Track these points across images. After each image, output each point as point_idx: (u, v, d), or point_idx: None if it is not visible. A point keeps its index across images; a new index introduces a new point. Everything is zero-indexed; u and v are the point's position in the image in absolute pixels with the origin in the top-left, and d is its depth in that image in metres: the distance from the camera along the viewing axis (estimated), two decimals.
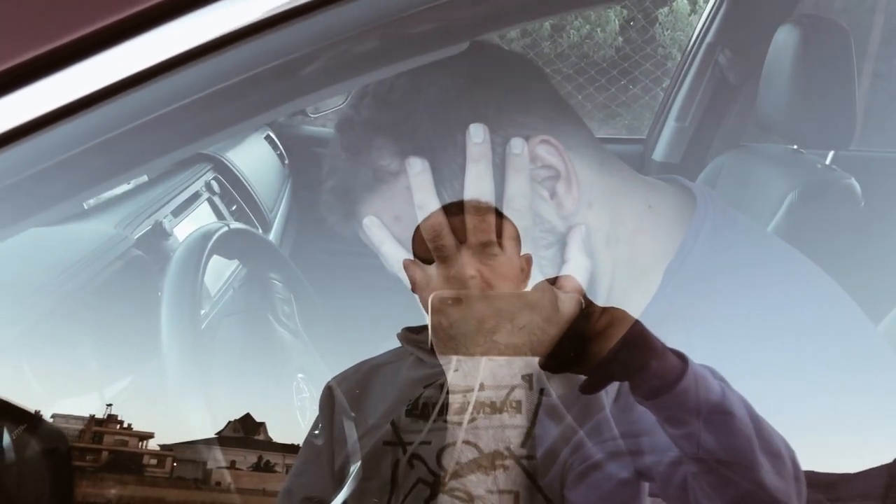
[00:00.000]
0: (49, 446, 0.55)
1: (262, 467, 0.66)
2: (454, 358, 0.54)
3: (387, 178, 0.59)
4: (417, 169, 0.58)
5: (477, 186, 0.58)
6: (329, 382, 0.62)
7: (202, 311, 0.71)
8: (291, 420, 0.73)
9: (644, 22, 3.81)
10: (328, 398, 0.62)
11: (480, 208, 0.57)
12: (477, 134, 0.58)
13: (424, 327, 0.57)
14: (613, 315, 0.49)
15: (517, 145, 0.58)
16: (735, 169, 1.48)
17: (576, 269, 0.60)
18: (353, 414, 0.60)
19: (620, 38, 4.03)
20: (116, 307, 0.71)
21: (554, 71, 3.78)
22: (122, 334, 0.71)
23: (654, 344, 0.48)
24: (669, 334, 0.58)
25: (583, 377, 0.50)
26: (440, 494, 0.53)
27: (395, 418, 0.56)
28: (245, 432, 0.65)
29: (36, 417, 0.54)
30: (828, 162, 1.37)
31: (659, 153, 1.73)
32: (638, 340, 0.48)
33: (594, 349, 0.48)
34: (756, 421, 0.48)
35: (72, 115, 0.47)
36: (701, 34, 1.68)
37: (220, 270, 0.80)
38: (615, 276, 0.62)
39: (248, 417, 0.67)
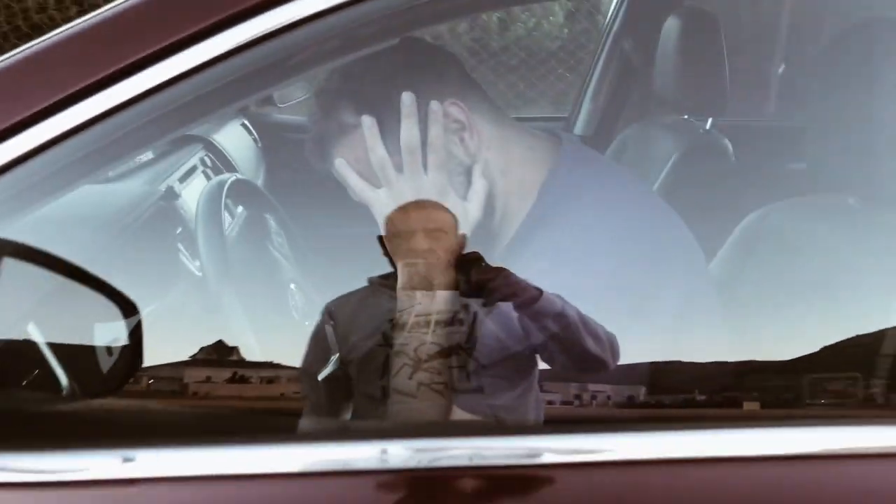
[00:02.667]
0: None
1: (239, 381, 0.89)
2: (417, 295, 0.81)
3: (349, 130, 0.88)
4: (369, 124, 0.86)
5: (408, 135, 0.86)
6: (328, 304, 0.86)
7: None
8: (288, 317, 1.01)
9: (586, 15, 4.11)
10: (327, 318, 0.86)
11: (410, 149, 0.86)
12: (407, 100, 0.86)
13: (392, 274, 0.83)
14: (496, 271, 0.78)
15: (434, 106, 0.87)
16: (638, 139, 1.78)
17: (477, 190, 0.89)
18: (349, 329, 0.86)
19: (565, 30, 4.35)
20: (155, 238, 0.98)
21: (502, 61, 4.09)
22: (155, 262, 0.98)
23: (520, 286, 0.77)
24: (536, 236, 0.89)
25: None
26: (419, 371, 0.80)
27: (385, 329, 0.83)
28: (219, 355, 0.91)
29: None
30: (707, 127, 1.68)
31: (578, 128, 2.03)
32: (513, 287, 0.77)
33: (487, 291, 0.78)
34: (582, 317, 0.77)
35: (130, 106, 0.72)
36: (608, 26, 1.98)
37: (229, 211, 1.07)
38: (507, 194, 0.91)
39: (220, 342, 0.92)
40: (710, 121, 1.68)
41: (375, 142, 0.87)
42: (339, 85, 0.89)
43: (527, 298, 0.77)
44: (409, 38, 0.92)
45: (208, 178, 1.35)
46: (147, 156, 1.23)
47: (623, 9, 1.92)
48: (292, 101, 2.09)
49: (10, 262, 0.72)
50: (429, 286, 0.80)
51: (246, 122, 1.92)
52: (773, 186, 1.35)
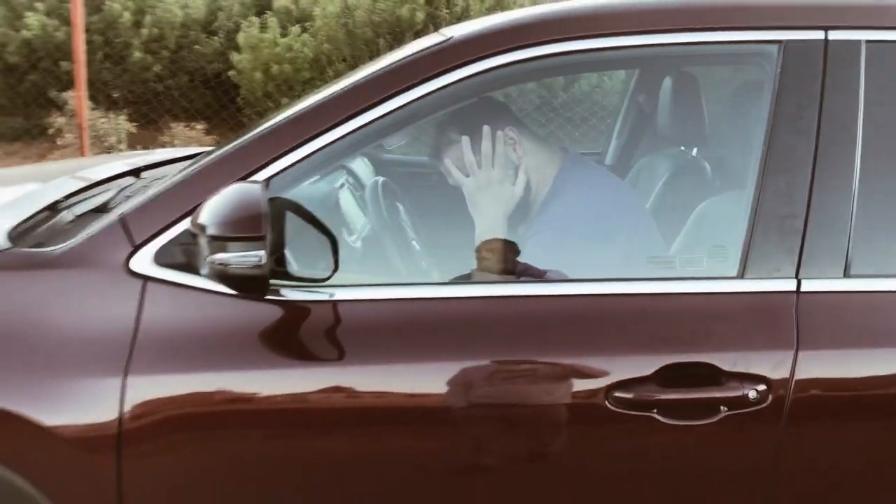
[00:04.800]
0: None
1: None
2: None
3: (453, 143, 1.64)
4: (464, 140, 1.62)
5: (485, 147, 1.62)
6: None
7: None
8: (412, 257, 1.82)
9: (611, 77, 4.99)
10: None
11: (485, 155, 1.62)
12: (486, 128, 1.62)
13: None
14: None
15: (499, 131, 1.62)
16: (648, 164, 2.49)
17: (521, 180, 1.64)
18: None
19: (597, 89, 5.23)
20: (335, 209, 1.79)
21: (560, 112, 4.94)
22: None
23: (536, 271, 1.51)
24: (551, 205, 1.64)
25: None
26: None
27: None
28: None
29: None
30: (693, 154, 2.37)
31: (607, 160, 2.76)
32: (528, 269, 1.51)
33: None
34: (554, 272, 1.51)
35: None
36: (627, 85, 2.72)
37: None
38: (536, 182, 1.66)
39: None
40: (695, 150, 2.38)
41: (467, 150, 1.63)
42: (449, 119, 1.66)
43: (536, 273, 1.51)
44: (485, 97, 1.69)
45: (352, 191, 2.13)
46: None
47: (637, 73, 2.65)
48: (395, 146, 2.88)
49: (291, 215, 1.46)
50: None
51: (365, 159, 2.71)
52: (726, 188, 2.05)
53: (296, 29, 8.51)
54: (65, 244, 1.47)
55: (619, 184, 1.81)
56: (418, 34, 1.78)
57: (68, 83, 8.08)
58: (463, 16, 8.45)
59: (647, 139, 2.64)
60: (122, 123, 7.22)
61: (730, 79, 2.33)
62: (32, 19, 8.54)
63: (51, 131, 7.45)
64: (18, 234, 1.56)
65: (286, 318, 1.41)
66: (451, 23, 7.91)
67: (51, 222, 1.68)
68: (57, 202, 1.80)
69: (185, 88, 9.05)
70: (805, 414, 1.37)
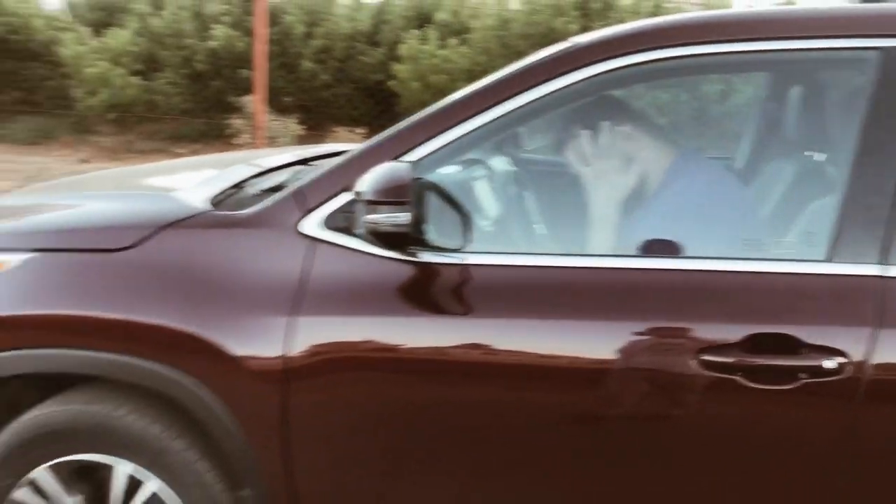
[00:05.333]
0: None
1: None
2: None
3: (576, 136, 1.88)
4: (587, 134, 1.86)
5: (606, 139, 1.84)
6: None
7: None
8: (533, 235, 2.05)
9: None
10: None
11: (606, 146, 1.84)
12: (605, 124, 1.84)
13: None
14: None
15: (618, 127, 1.84)
16: (774, 168, 2.60)
17: (636, 169, 1.84)
18: None
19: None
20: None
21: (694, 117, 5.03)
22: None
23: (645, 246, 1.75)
24: (664, 191, 1.84)
25: None
26: None
27: None
28: None
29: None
30: (817, 157, 2.47)
31: (737, 163, 2.87)
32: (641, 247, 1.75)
33: None
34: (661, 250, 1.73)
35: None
36: (759, 95, 2.83)
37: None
38: (652, 171, 1.86)
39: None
40: (818, 155, 2.46)
41: (588, 143, 1.85)
42: (573, 115, 1.89)
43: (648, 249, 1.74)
44: (605, 95, 1.90)
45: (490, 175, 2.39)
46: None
47: (764, 78, 2.76)
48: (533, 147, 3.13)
49: (431, 194, 1.73)
50: None
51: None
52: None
53: (454, 41, 8.95)
54: (251, 209, 1.82)
55: (726, 176, 1.97)
56: None
57: (246, 89, 8.92)
58: None
59: (776, 143, 2.74)
60: (291, 126, 7.89)
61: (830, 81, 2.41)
62: (219, 31, 9.47)
63: (229, 132, 8.24)
64: (217, 202, 1.93)
65: (423, 276, 1.69)
66: None
67: (239, 195, 2.06)
68: (244, 180, 2.18)
69: (349, 96, 9.72)
70: (882, 390, 1.49)
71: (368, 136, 8.12)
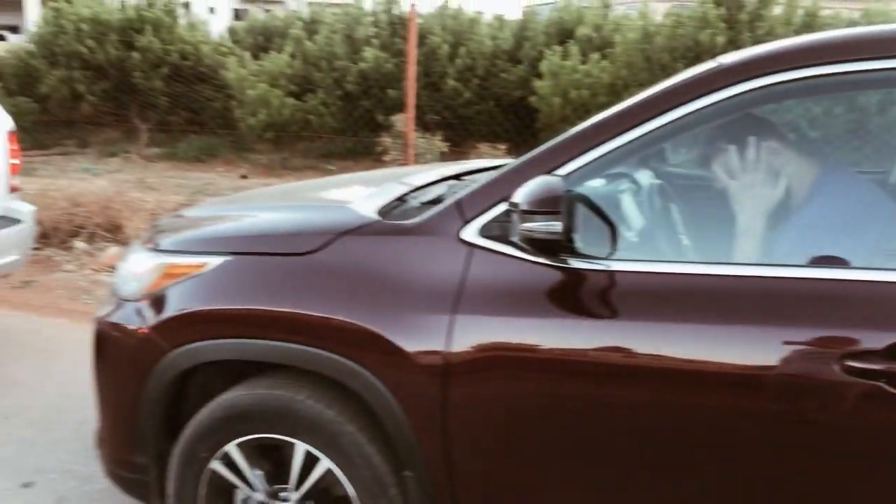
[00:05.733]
0: None
1: None
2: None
3: (724, 152, 1.95)
4: (732, 149, 1.93)
5: (750, 154, 1.91)
6: None
7: None
8: (679, 244, 2.14)
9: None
10: None
11: (750, 161, 1.91)
12: (751, 140, 1.91)
13: None
14: None
15: (765, 143, 1.90)
16: None
17: (781, 183, 1.90)
18: None
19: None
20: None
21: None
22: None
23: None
24: (807, 204, 1.89)
25: None
26: None
27: None
28: None
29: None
30: None
31: (892, 177, 2.83)
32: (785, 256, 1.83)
33: None
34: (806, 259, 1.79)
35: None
36: None
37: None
38: (795, 186, 1.91)
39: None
40: None
41: (734, 158, 1.93)
42: (719, 131, 1.97)
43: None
44: (750, 113, 1.97)
45: (635, 189, 2.49)
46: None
47: None
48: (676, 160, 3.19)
49: (581, 206, 1.86)
50: None
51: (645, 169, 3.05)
52: None
53: (596, 56, 9.00)
54: (415, 219, 2.02)
55: (872, 188, 1.99)
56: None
57: (393, 108, 9.34)
58: (765, 39, 8.36)
59: None
60: (436, 143, 8.19)
61: None
62: (368, 53, 9.96)
63: (379, 149, 8.66)
64: (383, 212, 2.15)
65: (572, 281, 1.82)
66: (752, 46, 7.89)
67: (402, 207, 2.27)
68: (405, 194, 2.39)
69: (490, 113, 9.96)
70: None
71: (510, 151, 8.33)
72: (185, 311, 2.14)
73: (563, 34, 10.24)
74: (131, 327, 2.25)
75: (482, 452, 1.92)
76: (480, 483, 1.95)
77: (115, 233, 6.19)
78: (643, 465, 1.80)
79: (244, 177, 9.74)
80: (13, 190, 4.12)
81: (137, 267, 2.34)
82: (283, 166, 10.38)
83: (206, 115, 11.90)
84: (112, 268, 5.75)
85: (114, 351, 2.33)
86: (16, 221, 4.05)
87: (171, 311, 2.17)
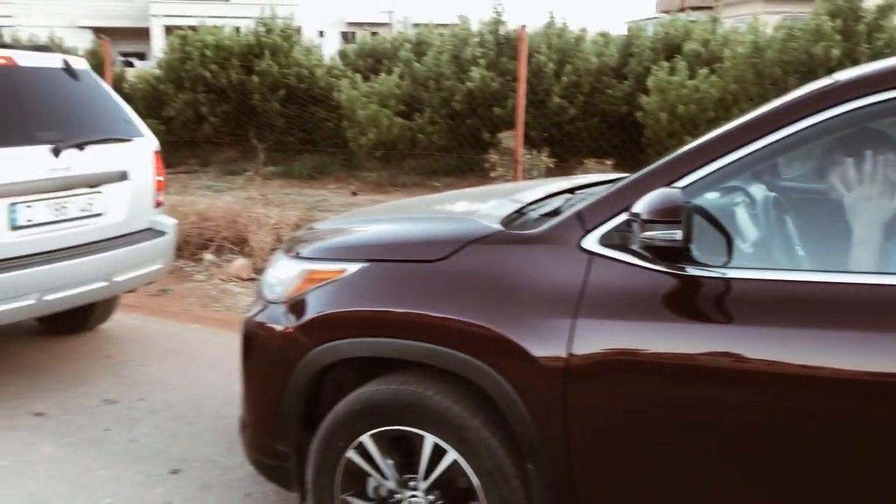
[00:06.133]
0: None
1: None
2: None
3: (839, 164, 2.01)
4: (848, 162, 1.99)
5: (868, 167, 1.96)
6: None
7: None
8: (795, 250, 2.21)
9: None
10: None
11: (867, 173, 1.96)
12: (867, 153, 1.96)
13: None
14: None
15: (880, 156, 1.96)
16: None
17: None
18: None
19: None
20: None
21: None
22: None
23: None
24: None
25: None
26: None
27: None
28: None
29: None
30: None
31: None
32: None
33: None
34: None
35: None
36: None
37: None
38: None
39: None
40: None
41: (850, 170, 1.99)
42: (836, 144, 2.03)
43: None
44: (867, 126, 2.03)
45: (749, 202, 2.55)
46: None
47: None
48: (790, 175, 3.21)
49: (698, 216, 1.96)
50: None
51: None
52: None
53: (704, 71, 8.93)
54: (538, 229, 2.17)
55: None
56: (831, 72, 2.00)
57: (498, 126, 9.53)
58: (884, 51, 8.10)
59: None
60: (543, 159, 8.32)
61: None
62: (475, 73, 10.21)
63: (486, 166, 8.85)
64: (505, 223, 2.31)
65: (689, 287, 1.93)
66: (870, 58, 7.66)
67: (522, 218, 2.42)
68: (523, 206, 2.54)
69: (596, 129, 10.01)
70: None
71: (616, 167, 8.36)
72: (327, 313, 2.36)
73: (669, 49, 10.20)
74: (277, 327, 2.48)
75: (600, 448, 2.03)
76: (599, 476, 2.06)
77: (241, 246, 6.60)
78: (753, 467, 1.87)
79: (354, 193, 10.12)
80: (158, 205, 4.51)
81: (282, 273, 2.58)
82: (390, 183, 10.73)
83: (318, 134, 12.45)
84: (239, 278, 6.15)
85: (260, 348, 2.58)
86: (161, 234, 4.43)
87: (313, 312, 2.39)
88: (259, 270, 6.21)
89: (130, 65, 23.26)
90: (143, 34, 35.31)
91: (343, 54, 14.50)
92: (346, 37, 40.74)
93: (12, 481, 3.12)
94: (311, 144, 12.59)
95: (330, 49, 15.77)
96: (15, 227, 3.68)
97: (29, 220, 3.74)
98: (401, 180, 10.83)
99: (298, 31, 13.31)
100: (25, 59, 4.05)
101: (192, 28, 12.99)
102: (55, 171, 3.83)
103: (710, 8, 18.31)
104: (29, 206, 3.74)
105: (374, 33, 19.99)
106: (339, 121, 11.48)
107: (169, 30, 24.07)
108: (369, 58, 13.84)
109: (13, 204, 3.67)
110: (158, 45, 32.33)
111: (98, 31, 28.31)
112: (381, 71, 11.87)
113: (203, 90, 12.23)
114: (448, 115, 10.59)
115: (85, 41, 20.63)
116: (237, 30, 12.96)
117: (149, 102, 12.86)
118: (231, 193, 8.83)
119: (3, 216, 3.63)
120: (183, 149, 12.88)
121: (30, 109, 3.92)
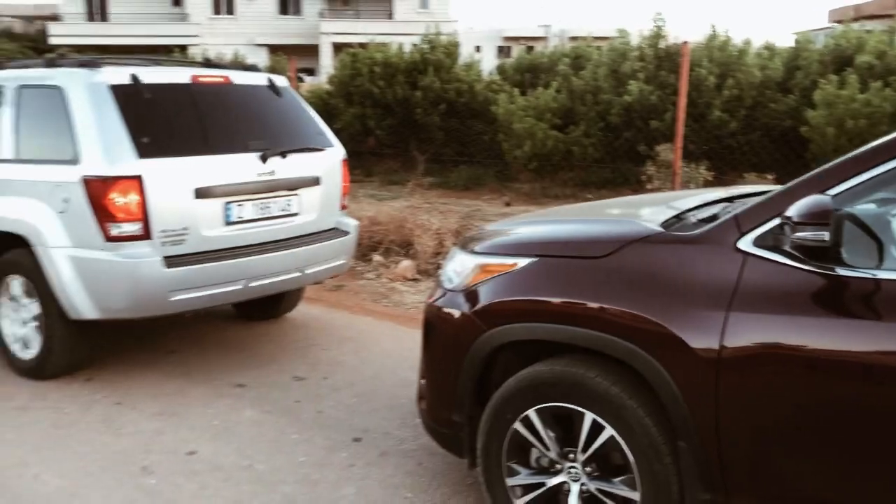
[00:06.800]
0: None
1: None
2: None
3: None
4: None
5: None
6: None
7: None
8: None
9: None
10: None
11: None
12: None
13: None
14: None
15: None
16: None
17: None
18: None
19: None
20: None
21: None
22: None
23: None
24: None
25: None
26: None
27: None
28: None
29: None
30: None
31: None
32: None
33: None
34: None
35: None
36: None
37: None
38: None
39: None
40: None
41: None
42: None
43: None
44: None
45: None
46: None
47: None
48: None
49: (847, 222, 2.13)
50: None
51: None
52: None
53: (877, 84, 8.60)
54: (697, 231, 2.40)
55: None
56: None
57: (655, 139, 9.58)
58: None
59: None
60: (701, 172, 8.32)
61: None
62: (633, 86, 10.31)
63: (642, 178, 8.95)
64: (665, 226, 2.55)
65: (837, 286, 2.10)
66: None
67: (681, 222, 2.65)
68: (681, 212, 2.77)
69: (758, 143, 9.84)
70: None
71: (778, 181, 8.23)
72: (499, 301, 2.69)
73: (839, 62, 9.87)
74: (454, 312, 2.84)
75: (749, 432, 2.23)
76: (745, 458, 2.26)
77: (406, 248, 7.11)
78: None
79: (508, 204, 10.46)
80: (343, 208, 5.04)
81: (459, 266, 2.94)
82: (543, 195, 11.00)
83: (474, 147, 12.93)
84: (404, 278, 6.64)
85: (439, 330, 2.95)
86: (345, 233, 4.96)
87: (486, 300, 2.73)
88: (423, 272, 6.69)
89: (301, 80, 24.85)
90: (312, 51, 37.54)
91: (501, 69, 14.95)
92: (502, 51, 41.44)
93: (224, 438, 3.66)
94: (467, 156, 13.10)
95: (486, 64, 16.25)
96: (229, 223, 4.29)
97: (239, 217, 4.34)
98: (553, 192, 11.09)
99: (457, 46, 13.87)
100: (238, 77, 4.69)
101: (362, 45, 13.86)
102: (262, 175, 4.41)
103: (888, 16, 17.32)
104: (240, 206, 4.34)
105: (530, 48, 20.38)
106: (495, 134, 11.89)
107: (336, 47, 25.65)
108: (526, 72, 14.20)
109: (228, 203, 4.27)
110: (326, 61, 34.31)
111: (272, 48, 30.48)
112: (537, 85, 12.19)
113: (370, 105, 13.03)
114: (603, 129, 10.74)
115: (261, 58, 22.33)
116: (401, 46, 13.70)
117: (320, 116, 13.80)
118: (394, 202, 9.41)
119: (220, 213, 4.24)
120: (350, 159, 13.65)
121: (242, 121, 4.54)
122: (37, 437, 3.66)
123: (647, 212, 2.87)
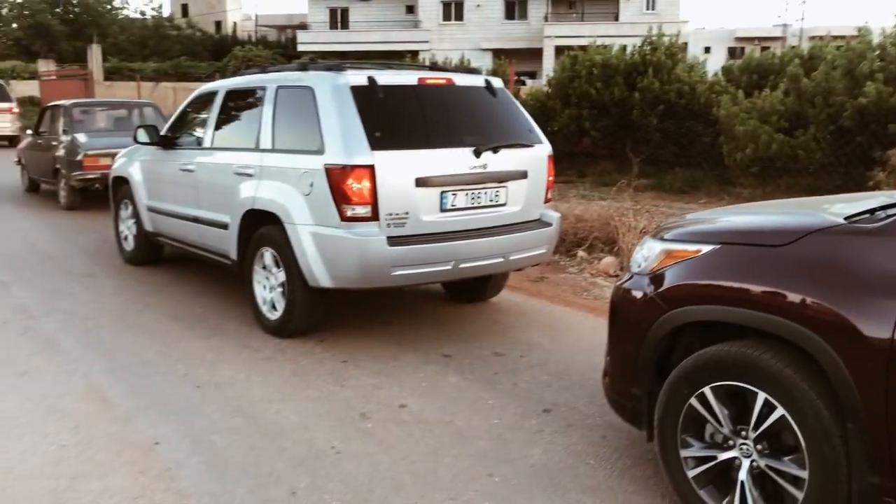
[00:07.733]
0: None
1: None
2: None
3: None
4: None
5: None
6: None
7: None
8: None
9: None
10: None
11: None
12: None
13: None
14: None
15: None
16: None
17: None
18: None
19: None
20: None
21: None
22: None
23: None
24: None
25: None
26: None
27: None
28: None
29: None
30: None
31: None
32: None
33: None
34: None
35: None
36: None
37: None
38: None
39: None
40: None
41: None
42: None
43: None
44: None
45: None
46: None
47: None
48: None
49: None
50: None
51: None
52: None
53: None
54: (877, 223, 2.47)
55: None
56: None
57: (890, 143, 8.94)
58: None
59: None
60: None
61: None
62: (870, 87, 9.68)
63: (870, 184, 8.43)
64: (849, 219, 2.62)
65: None
66: None
67: (870, 217, 2.69)
68: (877, 207, 2.80)
69: None
70: None
71: None
72: (682, 284, 2.89)
73: None
74: (639, 293, 3.08)
75: None
76: None
77: (610, 246, 7.30)
78: None
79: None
80: (547, 201, 5.38)
81: (647, 252, 3.17)
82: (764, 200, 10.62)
83: (693, 149, 12.71)
84: (606, 274, 6.85)
85: (625, 309, 3.19)
86: (548, 224, 5.30)
87: (670, 282, 2.94)
88: (625, 269, 6.84)
89: (522, 83, 25.51)
90: (536, 54, 38.21)
91: (727, 70, 14.52)
92: (734, 52, 39.62)
93: (430, 397, 4.15)
94: (684, 159, 12.90)
95: (714, 65, 15.82)
96: (443, 210, 4.78)
97: (452, 205, 4.81)
98: (775, 198, 10.66)
99: (684, 48, 13.67)
100: (460, 79, 5.17)
101: (583, 48, 14.09)
102: (475, 168, 4.86)
103: None
104: (453, 195, 4.81)
105: (764, 48, 19.46)
106: (716, 136, 11.63)
107: (559, 50, 26.02)
108: (754, 73, 13.70)
109: (443, 192, 4.76)
110: (549, 64, 34.79)
111: (497, 52, 31.47)
112: (764, 86, 11.75)
113: (587, 106, 13.22)
114: (833, 132, 10.17)
115: (486, 62, 23.20)
116: (623, 48, 13.76)
117: (537, 117, 14.17)
118: (603, 203, 9.58)
119: (436, 201, 4.74)
120: (563, 160, 14.01)
121: (460, 119, 5.02)
122: (278, 382, 4.35)
123: (839, 205, 2.93)
